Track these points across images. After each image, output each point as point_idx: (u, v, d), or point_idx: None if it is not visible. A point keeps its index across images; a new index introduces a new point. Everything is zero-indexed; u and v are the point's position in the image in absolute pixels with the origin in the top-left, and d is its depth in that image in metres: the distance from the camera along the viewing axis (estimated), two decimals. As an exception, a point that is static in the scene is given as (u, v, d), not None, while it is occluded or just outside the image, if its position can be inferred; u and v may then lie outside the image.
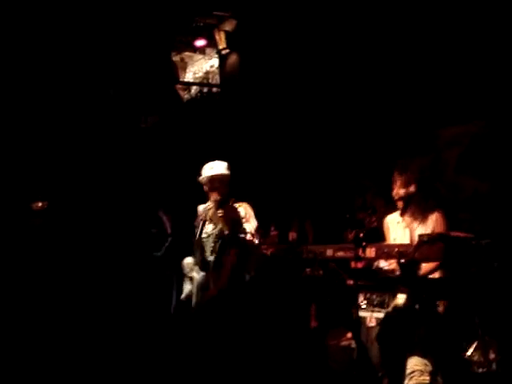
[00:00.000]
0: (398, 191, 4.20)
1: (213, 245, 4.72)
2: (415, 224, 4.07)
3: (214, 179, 4.71)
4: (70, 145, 7.63)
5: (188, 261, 4.91)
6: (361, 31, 6.94)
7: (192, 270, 4.86)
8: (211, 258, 4.71)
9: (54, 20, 7.18)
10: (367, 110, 7.09)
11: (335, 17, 6.99)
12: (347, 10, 6.89)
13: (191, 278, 4.87)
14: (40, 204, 7.71)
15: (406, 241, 4.01)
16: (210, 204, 4.78)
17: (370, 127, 7.12)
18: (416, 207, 4.08)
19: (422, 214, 4.07)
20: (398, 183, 4.21)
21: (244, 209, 4.68)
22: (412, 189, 4.12)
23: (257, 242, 4.57)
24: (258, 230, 4.64)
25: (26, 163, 7.22)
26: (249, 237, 4.54)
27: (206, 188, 4.78)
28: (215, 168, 4.76)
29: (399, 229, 4.18)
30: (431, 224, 4.04)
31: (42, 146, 7.47)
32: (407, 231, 4.11)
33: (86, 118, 7.73)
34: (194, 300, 4.83)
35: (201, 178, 4.81)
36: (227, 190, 4.73)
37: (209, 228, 4.75)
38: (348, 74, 7.17)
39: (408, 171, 4.13)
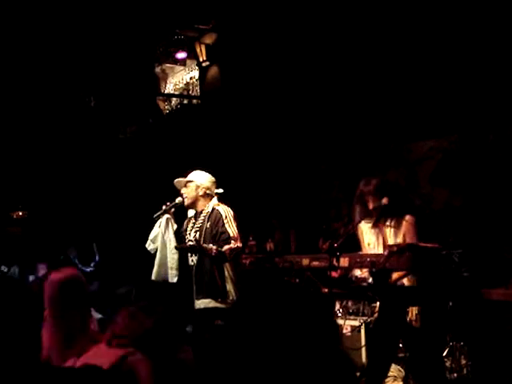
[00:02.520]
0: (371, 204, 4.35)
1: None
2: (388, 229, 4.22)
3: (181, 184, 4.89)
4: (49, 154, 7.69)
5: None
6: (334, 51, 7.09)
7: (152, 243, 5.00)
8: (193, 262, 4.80)
9: (35, 30, 7.24)
10: (344, 125, 7.24)
11: (311, 32, 7.13)
12: (324, 26, 7.03)
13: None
14: (20, 213, 7.76)
15: (380, 246, 4.16)
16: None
17: (346, 142, 7.28)
18: (389, 216, 4.22)
19: (394, 221, 4.21)
20: (368, 198, 4.37)
21: (224, 211, 4.77)
22: (384, 201, 4.25)
23: (240, 245, 4.63)
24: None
25: (6, 173, 7.26)
26: (232, 244, 4.60)
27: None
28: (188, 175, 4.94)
29: (373, 234, 4.32)
30: (403, 228, 4.19)
31: (21, 156, 7.52)
32: (380, 236, 4.25)
33: (65, 128, 7.79)
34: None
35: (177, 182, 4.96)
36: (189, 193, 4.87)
37: (191, 236, 4.84)
38: (325, 88, 7.32)
39: (372, 186, 4.27)
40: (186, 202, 4.82)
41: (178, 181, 4.91)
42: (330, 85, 7.23)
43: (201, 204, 4.81)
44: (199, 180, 4.85)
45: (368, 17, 6.69)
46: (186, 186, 4.85)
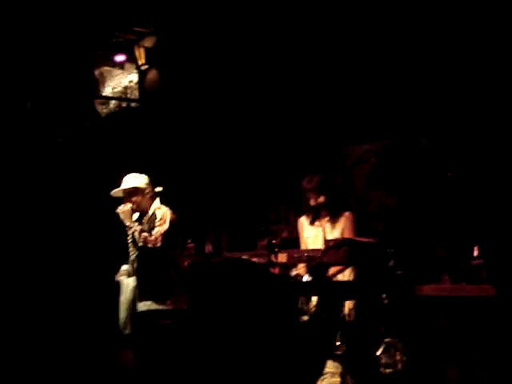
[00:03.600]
0: (310, 202, 4.48)
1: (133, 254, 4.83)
2: (327, 225, 4.35)
3: (125, 192, 4.86)
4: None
5: (123, 268, 5.05)
6: (269, 54, 7.20)
7: (121, 274, 5.00)
8: (135, 265, 4.82)
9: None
10: (280, 129, 7.36)
11: (251, 34, 7.23)
12: (265, 30, 7.14)
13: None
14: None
15: (319, 240, 4.28)
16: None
17: (283, 146, 7.39)
18: (327, 213, 4.35)
19: (333, 217, 4.35)
20: (308, 195, 4.49)
21: (161, 213, 4.80)
22: (321, 199, 4.38)
23: (159, 245, 4.66)
24: (167, 234, 4.72)
25: None
26: (144, 236, 4.64)
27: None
28: (126, 182, 4.91)
29: (312, 228, 4.45)
30: (342, 223, 4.33)
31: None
32: (320, 230, 4.38)
33: (1, 131, 7.64)
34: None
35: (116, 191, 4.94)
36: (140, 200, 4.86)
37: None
38: (256, 90, 7.43)
39: (314, 183, 4.40)
40: (136, 209, 4.81)
41: (117, 191, 4.88)
42: (266, 86, 7.34)
43: (147, 206, 4.84)
44: (142, 185, 4.86)
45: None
46: (128, 195, 4.82)
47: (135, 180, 4.87)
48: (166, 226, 4.69)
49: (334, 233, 4.40)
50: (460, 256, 5.07)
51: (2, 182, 7.50)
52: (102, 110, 9.17)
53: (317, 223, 4.50)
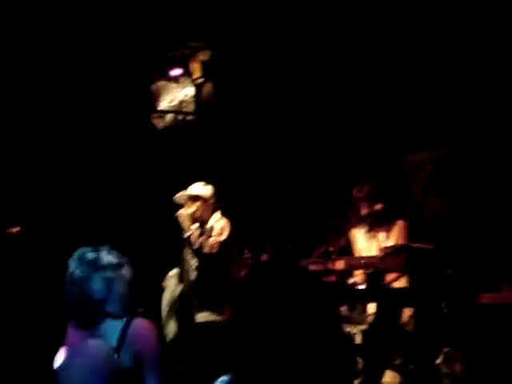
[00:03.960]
0: (363, 210, 4.47)
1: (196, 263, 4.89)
2: (381, 234, 4.32)
3: (189, 198, 4.93)
4: (46, 170, 7.73)
5: (171, 273, 5.11)
6: (328, 65, 7.22)
7: (168, 279, 5.06)
8: (193, 275, 4.87)
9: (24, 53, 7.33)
10: (340, 136, 7.36)
11: (304, 50, 7.27)
12: (317, 40, 7.17)
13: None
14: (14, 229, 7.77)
15: (372, 251, 4.25)
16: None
17: (343, 153, 7.39)
18: (382, 221, 4.33)
19: (387, 226, 4.32)
20: (358, 205, 4.48)
21: (220, 225, 4.85)
22: (378, 207, 4.36)
23: (215, 251, 4.69)
24: (224, 245, 4.77)
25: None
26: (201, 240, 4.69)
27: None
28: (192, 188, 4.99)
29: (366, 240, 4.42)
30: (396, 232, 4.30)
31: (16, 169, 7.56)
32: (374, 241, 4.36)
33: (61, 142, 7.85)
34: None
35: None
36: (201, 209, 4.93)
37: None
38: (319, 102, 7.45)
39: (364, 192, 4.39)
40: (196, 217, 4.86)
41: (181, 195, 4.94)
42: (324, 98, 7.35)
43: (208, 216, 4.89)
44: (206, 194, 4.92)
45: (360, 30, 6.84)
46: (191, 201, 4.88)
47: (201, 188, 4.96)
48: (223, 237, 4.75)
49: (389, 242, 4.38)
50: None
51: (65, 193, 7.72)
52: (159, 123, 9.33)
53: (371, 233, 4.48)
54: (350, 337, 5.09)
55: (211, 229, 4.87)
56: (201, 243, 4.68)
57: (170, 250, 5.57)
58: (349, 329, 5.18)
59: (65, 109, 7.94)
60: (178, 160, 8.15)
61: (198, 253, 4.71)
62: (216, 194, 5.01)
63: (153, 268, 6.47)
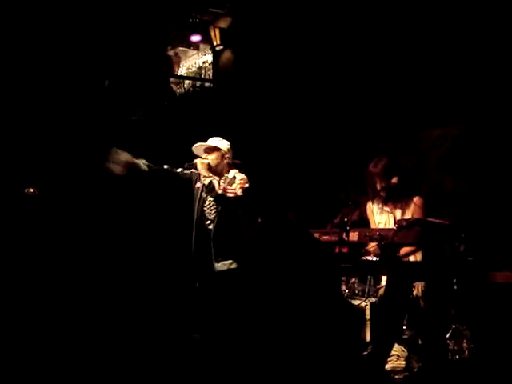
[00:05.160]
0: (379, 185, 4.46)
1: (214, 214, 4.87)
2: (398, 210, 4.33)
3: (207, 150, 4.95)
4: (60, 134, 7.75)
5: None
6: (350, 34, 7.16)
7: None
8: (211, 227, 4.86)
9: (49, 11, 7.30)
10: (357, 110, 7.32)
11: (326, 17, 7.20)
12: (339, 11, 7.10)
13: None
14: (31, 190, 7.84)
15: (390, 225, 4.26)
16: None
17: (358, 128, 7.35)
18: (398, 197, 4.32)
19: (403, 201, 4.32)
20: (374, 179, 4.47)
21: (241, 176, 4.82)
22: (394, 180, 4.36)
23: (239, 194, 4.65)
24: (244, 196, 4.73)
25: (18, 152, 7.32)
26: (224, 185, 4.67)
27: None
28: (210, 141, 5.01)
29: (383, 214, 4.43)
30: (412, 207, 4.30)
31: (34, 135, 7.58)
32: (391, 216, 4.36)
33: (77, 108, 7.85)
34: None
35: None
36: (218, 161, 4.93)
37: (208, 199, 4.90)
38: (338, 74, 7.40)
39: (380, 166, 4.38)
40: (212, 168, 4.83)
41: (200, 145, 4.94)
42: (342, 74, 7.30)
43: (224, 170, 4.89)
44: (224, 148, 4.93)
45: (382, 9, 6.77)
46: (209, 152, 4.90)
47: (219, 142, 4.98)
48: (247, 185, 4.72)
49: (405, 217, 4.37)
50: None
51: (79, 158, 7.74)
52: (177, 89, 9.32)
53: (387, 208, 4.48)
54: (361, 309, 5.14)
55: (234, 177, 4.84)
56: (224, 188, 4.66)
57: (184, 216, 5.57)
58: (359, 301, 5.23)
59: (83, 71, 7.93)
60: (194, 126, 8.14)
61: (220, 198, 4.68)
62: (233, 150, 5.00)
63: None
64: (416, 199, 4.44)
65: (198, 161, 4.87)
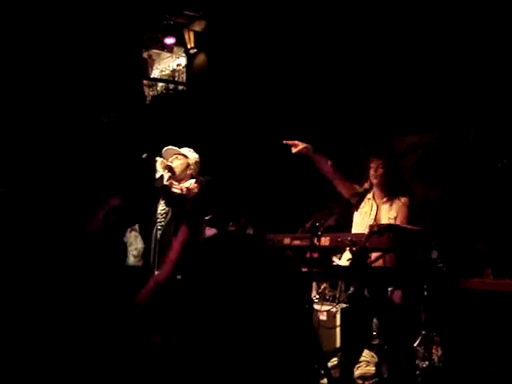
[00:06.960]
0: (373, 172, 4.53)
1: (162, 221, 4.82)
2: (383, 204, 4.39)
3: (174, 154, 4.93)
4: (32, 136, 7.65)
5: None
6: (323, 39, 7.17)
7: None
8: (158, 234, 4.81)
9: (24, 11, 7.22)
10: (328, 119, 7.33)
11: (300, 22, 7.21)
12: (314, 16, 7.11)
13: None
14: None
15: (371, 216, 4.33)
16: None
17: (329, 136, 7.36)
18: (385, 189, 4.39)
19: (390, 196, 4.39)
20: (373, 165, 4.55)
21: (194, 185, 4.80)
22: (380, 171, 4.44)
23: (185, 192, 4.63)
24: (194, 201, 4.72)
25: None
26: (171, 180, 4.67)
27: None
28: (182, 148, 4.98)
29: (368, 204, 4.49)
30: (397, 206, 4.36)
31: (3, 136, 7.47)
32: (374, 208, 4.42)
33: (48, 111, 7.76)
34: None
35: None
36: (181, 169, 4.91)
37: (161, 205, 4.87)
38: (311, 82, 7.41)
39: (382, 156, 4.47)
40: (171, 172, 4.82)
41: (171, 149, 4.92)
42: (315, 79, 7.31)
43: (182, 178, 4.88)
44: (192, 158, 4.91)
45: (353, 15, 6.80)
46: (175, 157, 4.88)
47: (189, 152, 4.96)
48: (195, 190, 4.71)
49: (391, 213, 4.43)
50: (503, 251, 4.99)
51: (49, 161, 7.65)
52: (150, 92, 9.26)
53: (374, 201, 4.54)
54: (332, 315, 5.14)
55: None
56: (170, 182, 4.66)
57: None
58: (330, 307, 5.23)
59: (55, 74, 7.84)
60: (167, 129, 8.09)
61: (164, 189, 4.66)
62: (200, 166, 4.98)
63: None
64: (403, 199, 4.49)
65: (159, 159, 4.86)
